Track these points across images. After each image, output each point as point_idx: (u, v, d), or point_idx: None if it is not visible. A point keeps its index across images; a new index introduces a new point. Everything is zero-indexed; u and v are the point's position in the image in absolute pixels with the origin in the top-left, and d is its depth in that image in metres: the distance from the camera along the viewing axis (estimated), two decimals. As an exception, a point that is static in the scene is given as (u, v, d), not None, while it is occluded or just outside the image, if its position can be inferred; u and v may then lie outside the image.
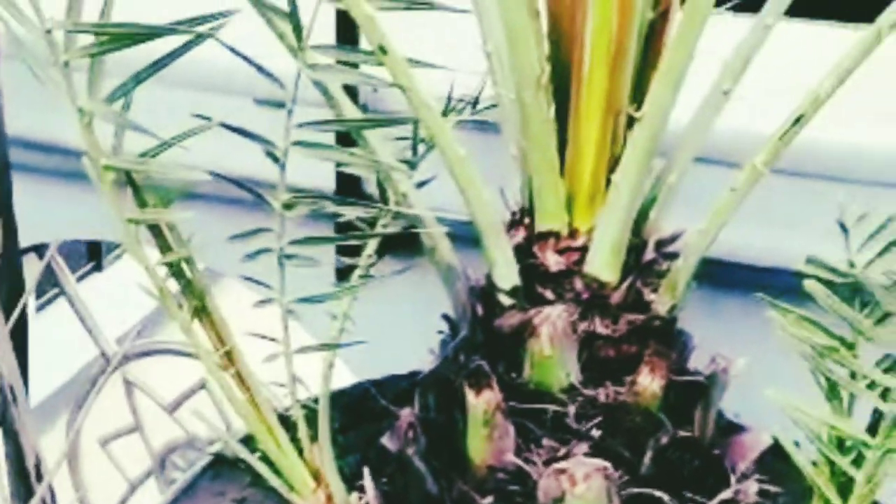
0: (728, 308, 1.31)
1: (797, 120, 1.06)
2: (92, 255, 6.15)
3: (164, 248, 1.17)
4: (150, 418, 2.32)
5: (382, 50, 1.06)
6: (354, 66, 1.15)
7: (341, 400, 1.54)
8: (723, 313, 1.34)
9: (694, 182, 1.19)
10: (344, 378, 1.70)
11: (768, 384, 1.05)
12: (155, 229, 1.17)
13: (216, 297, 1.23)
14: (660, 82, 1.04)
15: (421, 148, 1.32)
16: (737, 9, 1.20)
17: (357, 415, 1.50)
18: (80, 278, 5.53)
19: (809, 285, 0.95)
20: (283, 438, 1.26)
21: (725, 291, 1.35)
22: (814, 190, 1.47)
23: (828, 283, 0.99)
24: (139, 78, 1.08)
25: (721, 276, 1.29)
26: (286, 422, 1.30)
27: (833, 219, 1.03)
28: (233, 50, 1.13)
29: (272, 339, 1.21)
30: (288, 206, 1.15)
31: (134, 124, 1.09)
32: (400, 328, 1.71)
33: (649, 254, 1.16)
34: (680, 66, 1.03)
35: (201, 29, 1.04)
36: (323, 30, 1.17)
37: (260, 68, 1.13)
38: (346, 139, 1.44)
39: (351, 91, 1.61)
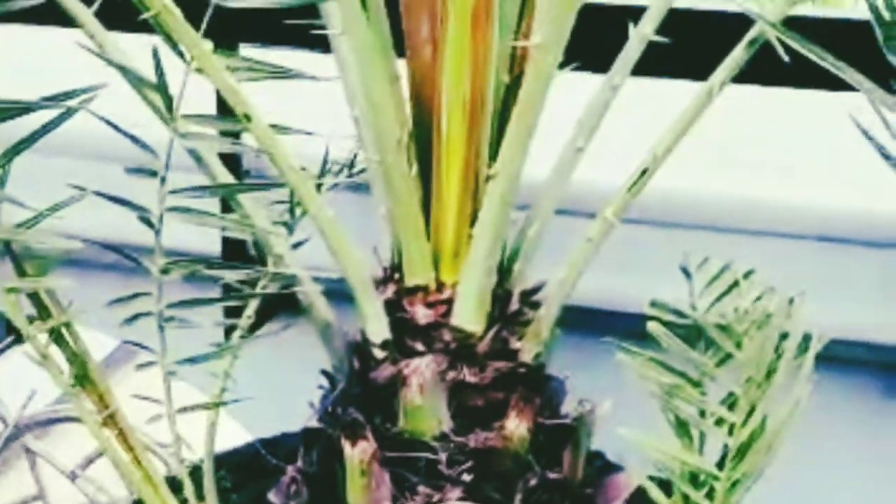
0: (598, 351, 1.37)
1: (642, 173, 1.13)
2: (9, 329, 6.10)
3: (44, 315, 1.20)
4: (56, 486, 2.31)
5: (247, 118, 1.11)
6: (234, 134, 1.20)
7: (234, 459, 1.57)
8: (592, 357, 1.40)
9: (557, 232, 1.25)
10: (242, 437, 1.73)
11: (638, 424, 1.10)
12: (35, 298, 1.20)
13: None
14: (509, 141, 1.10)
15: (299, 210, 1.37)
16: (590, 69, 1.27)
17: (249, 473, 1.53)
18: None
19: (651, 327, 1.01)
20: (170, 499, 1.29)
21: (593, 336, 1.41)
22: (663, 236, 1.55)
23: (674, 325, 1.04)
24: (15, 151, 1.12)
25: (587, 321, 1.35)
26: (174, 482, 1.33)
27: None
28: (106, 121, 1.17)
29: (155, 401, 1.24)
30: (165, 271, 1.20)
31: (9, 198, 1.12)
32: (298, 385, 1.74)
33: (514, 304, 1.21)
34: (528, 126, 1.09)
35: (72, 103, 1.08)
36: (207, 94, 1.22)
37: (132, 137, 1.18)
38: (228, 203, 1.48)
39: (234, 156, 1.66)
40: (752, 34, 1.09)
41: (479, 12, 1.09)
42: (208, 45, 1.19)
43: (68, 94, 1.09)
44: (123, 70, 1.16)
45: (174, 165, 1.19)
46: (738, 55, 1.10)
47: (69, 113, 1.08)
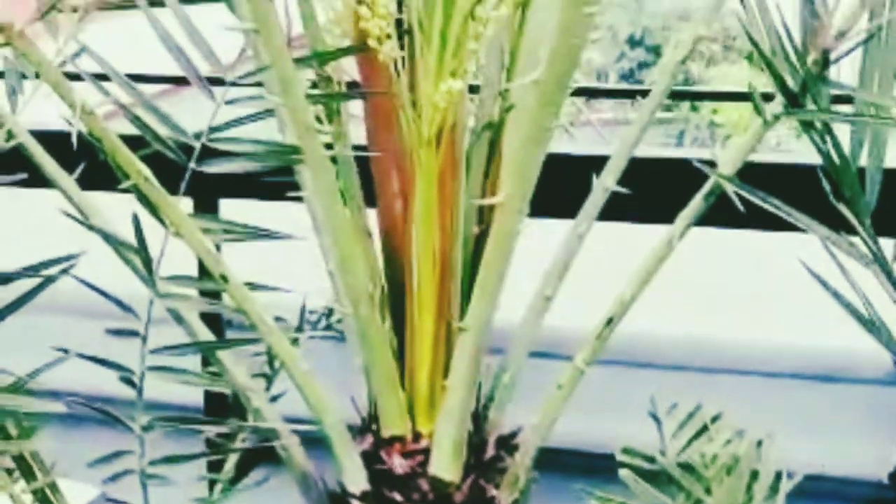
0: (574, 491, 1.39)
1: (609, 321, 1.16)
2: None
3: (28, 475, 1.22)
4: None
5: (224, 279, 1.14)
6: (214, 293, 1.24)
7: None
8: (569, 498, 1.41)
9: (531, 374, 1.28)
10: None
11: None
12: (19, 457, 1.22)
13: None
14: (478, 294, 1.14)
15: (278, 362, 1.40)
16: (556, 216, 1.31)
17: None
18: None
19: (624, 475, 1.03)
20: None
21: (569, 477, 1.43)
22: (635, 376, 1.58)
23: (646, 471, 1.07)
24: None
25: (564, 462, 1.37)
26: None
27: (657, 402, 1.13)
28: (87, 284, 1.21)
29: (138, 558, 1.25)
30: (147, 428, 1.22)
31: (-7, 364, 1.15)
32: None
33: (490, 451, 1.23)
34: (496, 278, 1.13)
35: (52, 271, 1.12)
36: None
37: (114, 299, 1.21)
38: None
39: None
40: (708, 186, 1.13)
41: (446, 170, 1.13)
42: (188, 203, 1.23)
43: (48, 263, 1.13)
44: (104, 235, 1.20)
45: (155, 318, 1.22)
46: (696, 205, 1.15)
47: (49, 280, 1.11)
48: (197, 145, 1.19)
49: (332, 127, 1.19)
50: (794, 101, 1.07)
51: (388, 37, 1.08)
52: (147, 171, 1.10)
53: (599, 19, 1.06)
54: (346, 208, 1.19)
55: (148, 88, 1.24)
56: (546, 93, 1.03)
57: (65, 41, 1.20)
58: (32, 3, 1.18)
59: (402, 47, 1.10)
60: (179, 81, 1.24)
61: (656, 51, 14.70)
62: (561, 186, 1.30)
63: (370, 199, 1.27)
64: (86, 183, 1.25)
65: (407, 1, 1.08)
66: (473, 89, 1.25)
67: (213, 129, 1.22)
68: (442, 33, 1.07)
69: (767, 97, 1.12)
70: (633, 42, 14.87)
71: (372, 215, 1.28)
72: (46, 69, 1.04)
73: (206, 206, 1.80)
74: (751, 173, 1.14)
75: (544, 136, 1.07)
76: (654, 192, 1.38)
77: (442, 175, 1.14)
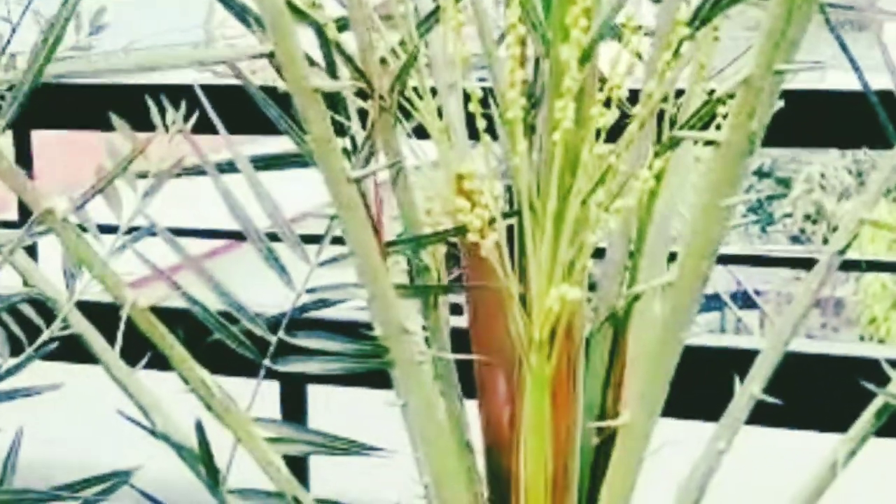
0: None
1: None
2: None
3: None
4: None
5: (297, 501, 0.98)
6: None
7: None
8: None
9: None
10: None
11: None
12: None
13: None
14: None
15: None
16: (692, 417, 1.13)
17: None
18: None
19: None
20: None
21: None
22: None
23: None
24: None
25: None
26: None
27: None
28: (147, 496, 1.07)
29: None
30: None
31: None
32: None
33: None
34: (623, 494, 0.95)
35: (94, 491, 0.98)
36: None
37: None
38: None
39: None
40: (878, 403, 0.94)
41: (560, 378, 0.96)
42: (274, 386, 1.08)
43: (104, 477, 1.00)
44: (165, 439, 1.05)
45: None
46: (866, 422, 0.95)
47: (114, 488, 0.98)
48: (273, 339, 1.04)
49: (429, 322, 1.03)
50: None
51: (493, 223, 0.91)
52: (207, 377, 0.95)
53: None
54: (443, 416, 1.03)
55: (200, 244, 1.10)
56: (680, 297, 0.86)
57: (131, 216, 1.08)
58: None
59: (511, 234, 0.94)
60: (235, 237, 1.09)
61: (785, 183, 14.41)
62: (697, 384, 1.12)
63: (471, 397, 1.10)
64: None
65: (516, 182, 0.92)
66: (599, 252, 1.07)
67: (296, 310, 1.08)
68: (556, 219, 0.91)
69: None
70: (762, 174, 14.62)
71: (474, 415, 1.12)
72: (92, 262, 0.90)
73: (293, 392, 1.64)
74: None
75: (676, 347, 0.89)
76: (807, 393, 1.18)
77: (555, 383, 0.96)
